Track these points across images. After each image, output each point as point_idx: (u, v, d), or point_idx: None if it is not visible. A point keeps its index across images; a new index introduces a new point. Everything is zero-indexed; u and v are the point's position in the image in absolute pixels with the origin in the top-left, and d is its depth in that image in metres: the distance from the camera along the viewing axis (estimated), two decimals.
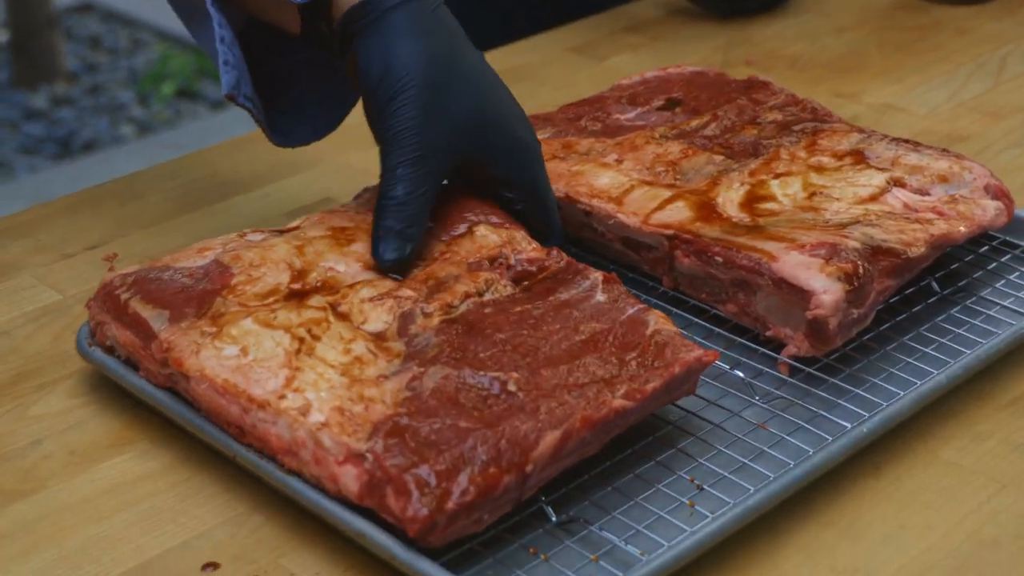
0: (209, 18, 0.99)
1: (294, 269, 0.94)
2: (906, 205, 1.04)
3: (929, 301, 1.03)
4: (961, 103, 1.42)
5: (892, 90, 1.45)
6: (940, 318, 1.01)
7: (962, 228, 1.02)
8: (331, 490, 0.81)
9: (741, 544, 0.83)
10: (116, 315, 0.93)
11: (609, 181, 1.08)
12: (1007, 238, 1.10)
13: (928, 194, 1.06)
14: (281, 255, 0.95)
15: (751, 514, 0.82)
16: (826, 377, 0.95)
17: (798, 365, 0.96)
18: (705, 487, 0.85)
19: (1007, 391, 0.97)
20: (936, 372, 0.94)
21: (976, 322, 1.01)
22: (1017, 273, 1.07)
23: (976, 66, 1.51)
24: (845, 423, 0.89)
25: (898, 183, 1.06)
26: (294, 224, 1.01)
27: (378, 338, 0.88)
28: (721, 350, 0.97)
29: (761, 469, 0.86)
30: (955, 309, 1.02)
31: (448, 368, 0.85)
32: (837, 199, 1.04)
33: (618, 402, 0.84)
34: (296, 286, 0.93)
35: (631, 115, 1.21)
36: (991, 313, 1.02)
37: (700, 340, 0.97)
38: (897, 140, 1.12)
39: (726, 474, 0.86)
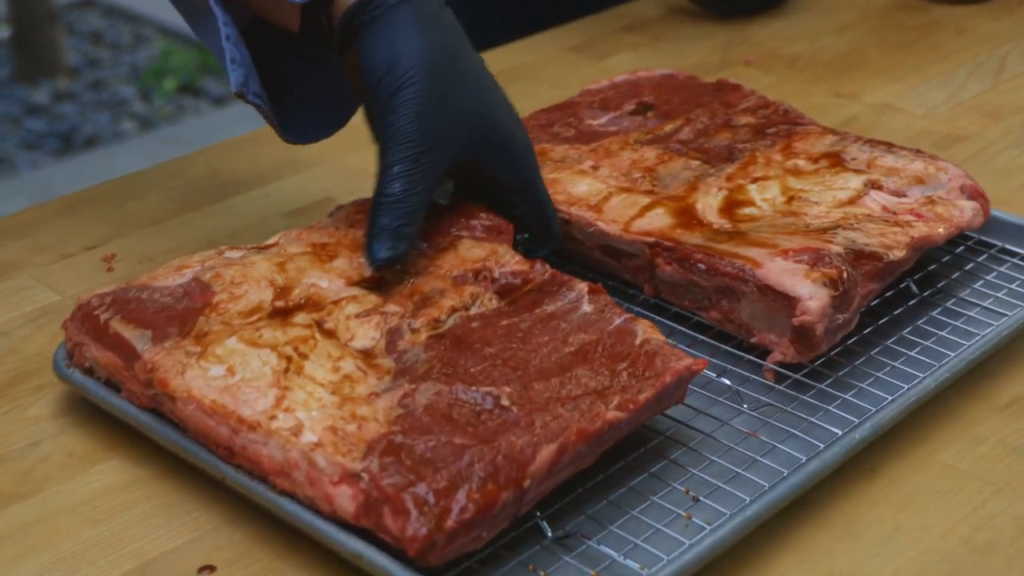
0: (213, 17, 0.98)
1: (276, 286, 0.93)
2: (884, 208, 1.04)
3: (909, 303, 1.03)
4: (960, 103, 1.42)
5: (891, 90, 1.46)
6: (921, 320, 1.01)
7: (941, 230, 1.03)
8: (326, 511, 0.80)
9: (737, 546, 0.82)
10: (96, 336, 0.91)
11: (587, 189, 1.08)
12: (982, 238, 1.11)
13: (905, 196, 1.06)
14: (263, 272, 0.94)
15: (749, 525, 0.81)
16: (813, 383, 0.95)
17: (784, 371, 0.96)
18: (700, 498, 0.85)
19: (1004, 393, 0.97)
20: (923, 375, 0.94)
21: (958, 323, 1.01)
22: (994, 273, 1.07)
23: (975, 65, 1.51)
24: (836, 430, 0.89)
25: (875, 185, 1.06)
26: (272, 241, 0.99)
27: (366, 355, 0.88)
28: (707, 358, 0.96)
29: (755, 479, 0.86)
30: (936, 311, 1.03)
31: (440, 384, 0.85)
32: (816, 203, 1.04)
33: (612, 414, 0.83)
34: (280, 303, 0.91)
35: (603, 120, 1.21)
36: (972, 314, 1.02)
37: (684, 348, 0.97)
38: (871, 142, 1.12)
39: (720, 484, 0.86)
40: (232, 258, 0.97)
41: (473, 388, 0.84)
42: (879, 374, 0.95)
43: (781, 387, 0.95)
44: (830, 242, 0.98)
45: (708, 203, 1.05)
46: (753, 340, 0.97)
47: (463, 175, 1.00)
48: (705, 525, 0.82)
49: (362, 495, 0.78)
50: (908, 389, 0.92)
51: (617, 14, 1.66)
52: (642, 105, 1.23)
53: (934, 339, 0.99)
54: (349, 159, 1.27)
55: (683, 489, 0.86)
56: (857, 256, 0.97)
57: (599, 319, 0.92)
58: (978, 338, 0.97)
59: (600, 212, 1.05)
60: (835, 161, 1.10)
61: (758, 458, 0.88)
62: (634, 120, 1.20)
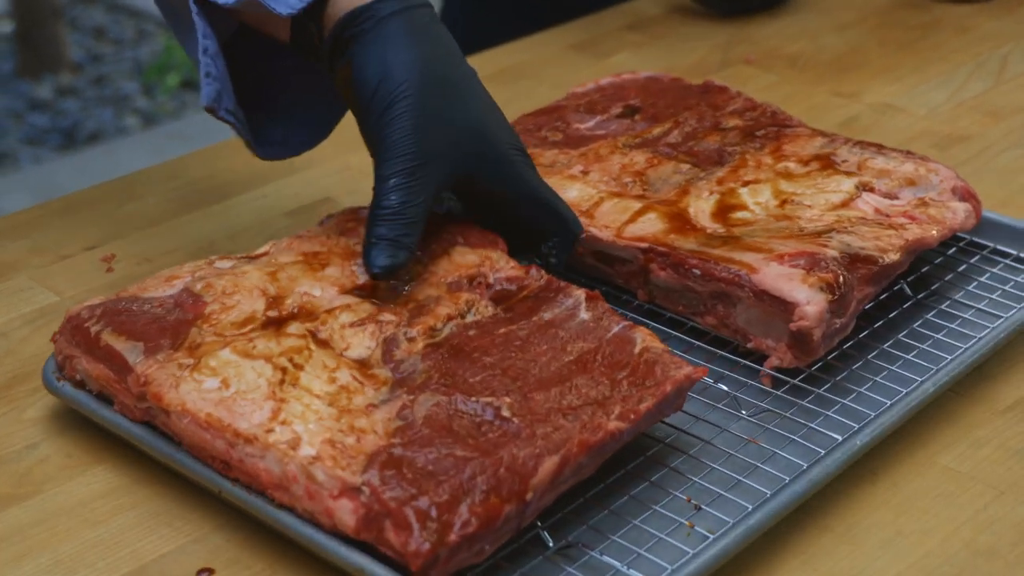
0: (195, 28, 0.96)
1: (269, 296, 0.92)
2: (877, 210, 1.04)
3: (904, 306, 1.03)
4: (961, 103, 1.42)
5: (892, 89, 1.45)
6: (917, 323, 1.01)
7: (934, 232, 1.02)
8: (326, 525, 0.79)
9: (738, 550, 0.82)
10: (87, 348, 0.90)
11: (578, 194, 1.07)
12: (974, 239, 1.11)
13: (897, 198, 1.06)
14: (254, 282, 0.93)
15: (752, 534, 0.81)
16: (811, 388, 0.94)
17: (782, 376, 0.95)
18: (702, 507, 0.84)
19: (1004, 396, 0.97)
20: (921, 379, 0.93)
21: (954, 326, 1.01)
22: (987, 275, 1.07)
23: (976, 65, 1.51)
24: (836, 435, 0.88)
25: (867, 188, 1.06)
26: (262, 250, 0.98)
27: (362, 365, 0.87)
28: (704, 364, 0.96)
29: (756, 486, 0.85)
30: (930, 314, 1.02)
31: (439, 395, 0.84)
32: (809, 206, 1.04)
33: (614, 424, 0.82)
34: (273, 313, 0.90)
35: (591, 123, 1.20)
36: (967, 317, 1.02)
37: (680, 354, 0.96)
38: (861, 143, 1.12)
39: (722, 492, 0.85)
40: (223, 268, 0.96)
41: (473, 399, 0.83)
42: (877, 378, 0.95)
43: (779, 392, 0.95)
44: (825, 246, 0.97)
45: (700, 207, 1.05)
46: (749, 345, 0.97)
47: (465, 190, 0.98)
48: (708, 534, 0.81)
49: (363, 509, 0.77)
50: (907, 393, 0.92)
51: (619, 12, 1.66)
52: (629, 108, 1.22)
53: (930, 342, 0.99)
54: (349, 159, 1.26)
55: (684, 497, 0.85)
56: (852, 260, 0.97)
57: (597, 327, 0.91)
58: (976, 340, 0.97)
59: (592, 218, 1.04)
60: (826, 163, 1.09)
61: (759, 465, 0.87)
62: (622, 123, 1.19)
